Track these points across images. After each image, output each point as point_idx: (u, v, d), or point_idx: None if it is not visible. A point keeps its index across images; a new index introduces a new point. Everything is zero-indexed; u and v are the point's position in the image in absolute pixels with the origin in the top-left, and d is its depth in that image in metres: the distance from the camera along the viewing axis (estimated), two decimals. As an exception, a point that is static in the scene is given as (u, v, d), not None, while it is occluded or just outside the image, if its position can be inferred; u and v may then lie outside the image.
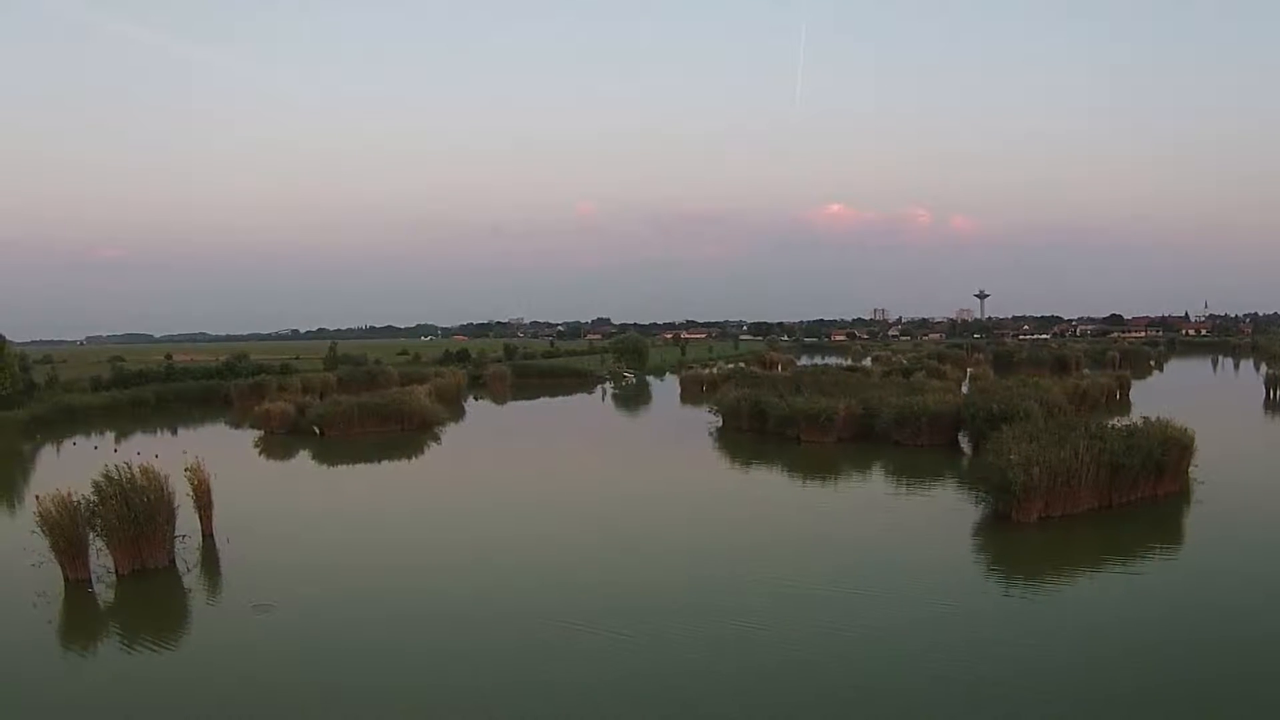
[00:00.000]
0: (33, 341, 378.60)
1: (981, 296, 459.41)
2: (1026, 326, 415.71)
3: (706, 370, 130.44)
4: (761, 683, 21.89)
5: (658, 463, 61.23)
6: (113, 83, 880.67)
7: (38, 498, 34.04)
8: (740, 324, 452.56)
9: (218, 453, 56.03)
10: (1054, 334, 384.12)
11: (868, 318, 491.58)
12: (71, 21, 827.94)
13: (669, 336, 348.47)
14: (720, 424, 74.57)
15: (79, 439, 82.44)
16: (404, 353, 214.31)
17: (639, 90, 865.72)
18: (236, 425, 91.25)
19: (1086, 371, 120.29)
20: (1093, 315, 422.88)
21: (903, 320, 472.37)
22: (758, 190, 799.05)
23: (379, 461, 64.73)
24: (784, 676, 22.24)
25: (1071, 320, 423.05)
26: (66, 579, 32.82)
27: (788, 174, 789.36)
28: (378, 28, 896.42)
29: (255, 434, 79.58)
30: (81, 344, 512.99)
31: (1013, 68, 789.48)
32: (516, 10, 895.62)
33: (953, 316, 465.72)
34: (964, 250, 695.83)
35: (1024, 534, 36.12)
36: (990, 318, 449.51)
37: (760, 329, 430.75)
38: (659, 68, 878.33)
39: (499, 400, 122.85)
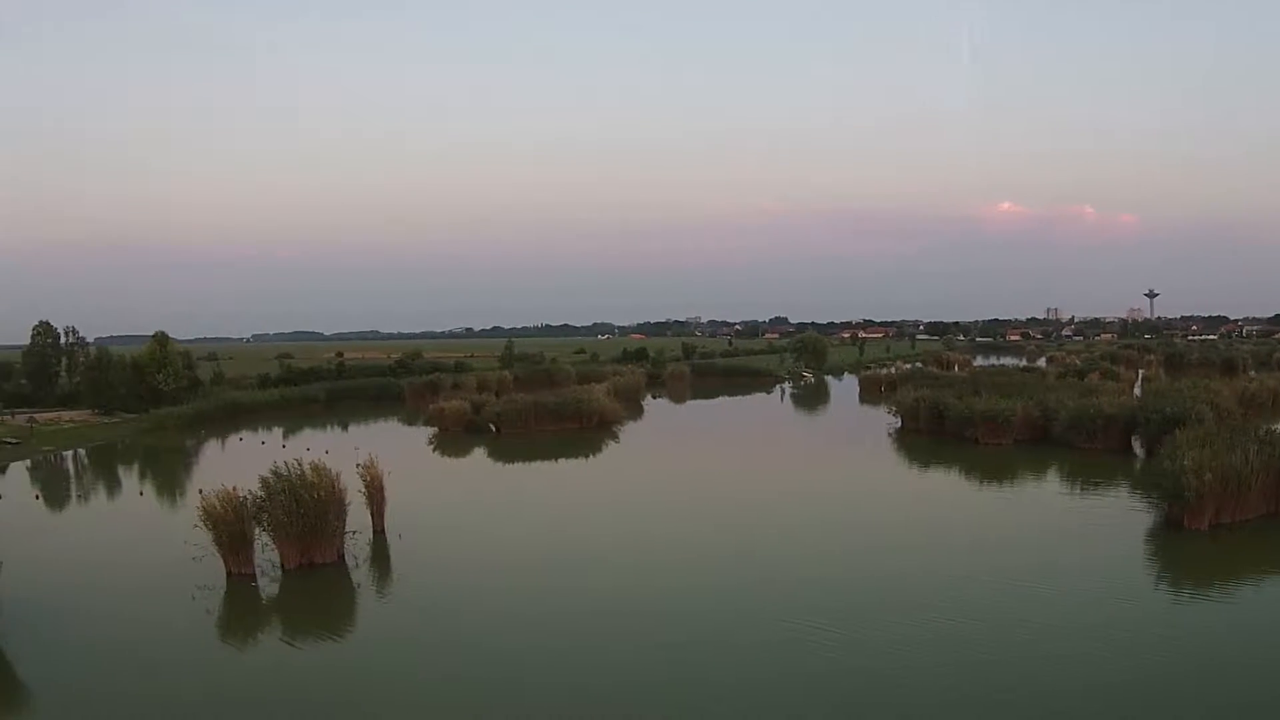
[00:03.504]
0: (197, 339, 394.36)
1: (1151, 295, 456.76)
2: (1195, 327, 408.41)
3: (885, 370, 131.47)
4: (942, 677, 22.70)
5: (839, 463, 62.06)
6: (276, 89, 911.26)
7: (201, 492, 35.14)
8: (917, 323, 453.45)
9: (391, 450, 57.03)
10: (1221, 334, 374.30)
11: (1041, 317, 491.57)
12: (253, 43, 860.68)
13: (846, 336, 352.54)
14: (899, 424, 75.61)
15: (245, 435, 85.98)
16: (581, 351, 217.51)
17: (811, 89, 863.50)
18: (410, 423, 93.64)
19: (1253, 374, 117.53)
20: (1258, 315, 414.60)
21: (1075, 320, 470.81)
22: (929, 188, 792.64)
23: (557, 460, 65.30)
24: (962, 672, 23.04)
25: (1237, 320, 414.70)
26: (229, 573, 33.61)
27: (959, 171, 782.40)
28: (553, 25, 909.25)
29: (429, 431, 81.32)
30: (248, 341, 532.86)
31: (1179, 61, 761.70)
32: (697, 10, 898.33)
33: (1124, 316, 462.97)
34: (1131, 248, 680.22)
35: (1195, 541, 36.19)
36: (1160, 317, 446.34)
37: (937, 328, 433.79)
38: (830, 65, 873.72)
39: (678, 399, 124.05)
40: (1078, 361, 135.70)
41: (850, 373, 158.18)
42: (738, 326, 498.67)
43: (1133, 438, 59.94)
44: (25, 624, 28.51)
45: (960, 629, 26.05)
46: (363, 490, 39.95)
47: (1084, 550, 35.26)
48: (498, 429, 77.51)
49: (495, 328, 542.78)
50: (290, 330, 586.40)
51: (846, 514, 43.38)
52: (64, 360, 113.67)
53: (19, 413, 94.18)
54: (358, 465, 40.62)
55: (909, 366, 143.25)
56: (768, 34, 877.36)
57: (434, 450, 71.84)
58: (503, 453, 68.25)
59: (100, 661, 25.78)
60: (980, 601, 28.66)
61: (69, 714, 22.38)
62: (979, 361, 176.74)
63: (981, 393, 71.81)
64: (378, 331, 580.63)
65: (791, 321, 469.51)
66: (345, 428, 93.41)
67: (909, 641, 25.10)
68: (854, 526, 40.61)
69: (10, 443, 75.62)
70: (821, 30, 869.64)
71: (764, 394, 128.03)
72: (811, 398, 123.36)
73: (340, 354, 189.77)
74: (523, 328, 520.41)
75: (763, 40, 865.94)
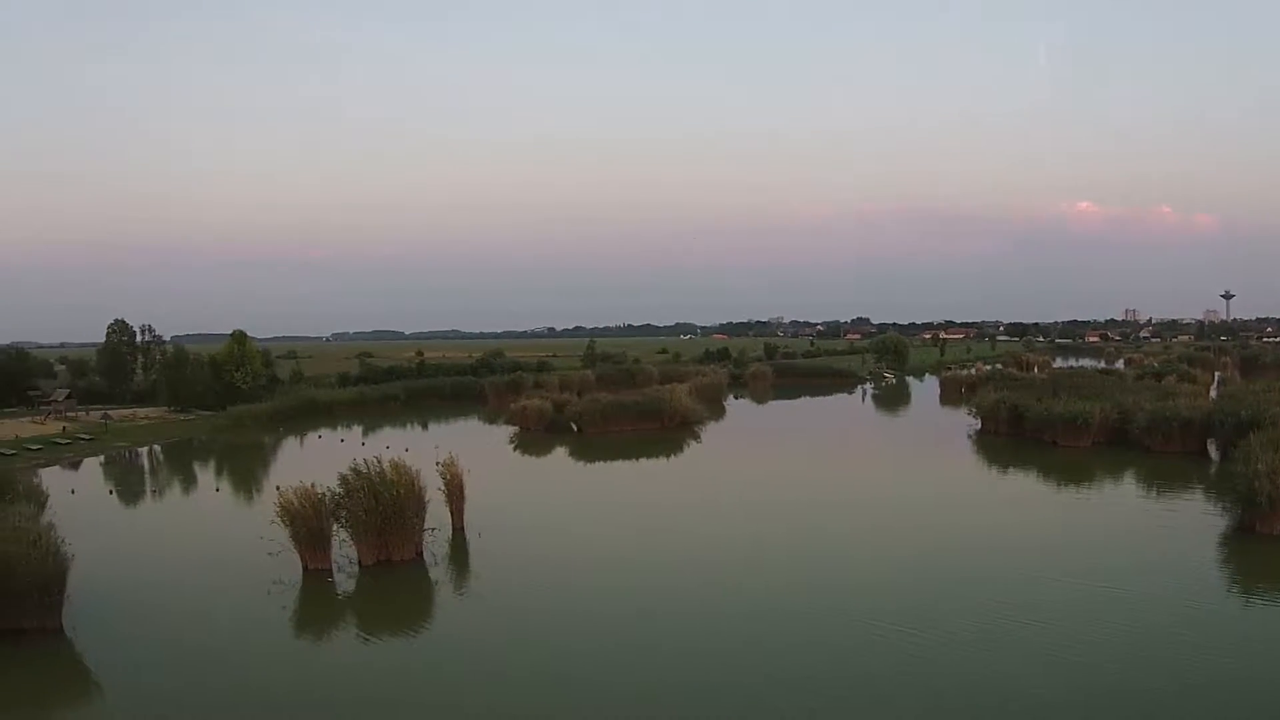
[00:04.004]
0: (276, 337, 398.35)
1: (1227, 297, 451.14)
2: (1270, 329, 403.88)
3: (965, 372, 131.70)
4: (1022, 679, 22.75)
5: (920, 465, 61.74)
6: (353, 88, 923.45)
7: (278, 488, 35.34)
8: (997, 324, 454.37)
9: (472, 449, 57.22)
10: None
11: (1119, 318, 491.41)
12: (295, 37, 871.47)
13: (928, 337, 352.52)
14: (979, 426, 75.52)
15: (324, 432, 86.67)
16: (663, 351, 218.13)
17: (888, 88, 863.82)
18: (491, 422, 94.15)
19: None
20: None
21: (1153, 321, 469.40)
22: (1009, 187, 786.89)
23: (638, 459, 65.30)
24: (1049, 671, 23.10)
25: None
26: (305, 568, 33.85)
27: (1038, 170, 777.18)
28: (639, 25, 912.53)
29: (511, 430, 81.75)
30: (328, 340, 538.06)
31: (1257, 58, 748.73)
32: (770, 9, 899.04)
33: (1200, 318, 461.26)
34: (1208, 248, 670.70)
35: (1267, 546, 35.66)
36: (1236, 319, 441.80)
37: (1016, 329, 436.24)
38: (906, 64, 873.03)
39: (759, 399, 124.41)
40: (1155, 363, 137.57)
41: (931, 374, 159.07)
42: (819, 327, 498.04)
43: (1208, 441, 59.86)
44: (96, 618, 28.87)
45: (1036, 631, 26.31)
46: (442, 488, 40.07)
47: (1155, 554, 35.35)
48: (579, 428, 77.61)
49: (577, 327, 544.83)
50: (370, 329, 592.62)
51: (929, 516, 43.19)
52: (140, 358, 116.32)
53: (93, 409, 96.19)
54: (437, 463, 40.65)
55: (989, 368, 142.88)
56: (846, 33, 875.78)
57: (515, 449, 72.16)
58: (584, 452, 68.41)
59: (171, 654, 25.91)
60: (1054, 603, 28.74)
61: (139, 707, 22.42)
62: (1058, 363, 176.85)
63: (1060, 395, 72.26)
64: (459, 331, 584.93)
65: (873, 322, 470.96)
66: (425, 426, 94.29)
67: (989, 643, 25.18)
68: (937, 528, 40.56)
69: (84, 438, 77.01)
70: (896, 29, 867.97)
71: (845, 395, 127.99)
72: (893, 399, 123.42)
73: (421, 353, 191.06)
74: (605, 327, 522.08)
75: (840, 39, 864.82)
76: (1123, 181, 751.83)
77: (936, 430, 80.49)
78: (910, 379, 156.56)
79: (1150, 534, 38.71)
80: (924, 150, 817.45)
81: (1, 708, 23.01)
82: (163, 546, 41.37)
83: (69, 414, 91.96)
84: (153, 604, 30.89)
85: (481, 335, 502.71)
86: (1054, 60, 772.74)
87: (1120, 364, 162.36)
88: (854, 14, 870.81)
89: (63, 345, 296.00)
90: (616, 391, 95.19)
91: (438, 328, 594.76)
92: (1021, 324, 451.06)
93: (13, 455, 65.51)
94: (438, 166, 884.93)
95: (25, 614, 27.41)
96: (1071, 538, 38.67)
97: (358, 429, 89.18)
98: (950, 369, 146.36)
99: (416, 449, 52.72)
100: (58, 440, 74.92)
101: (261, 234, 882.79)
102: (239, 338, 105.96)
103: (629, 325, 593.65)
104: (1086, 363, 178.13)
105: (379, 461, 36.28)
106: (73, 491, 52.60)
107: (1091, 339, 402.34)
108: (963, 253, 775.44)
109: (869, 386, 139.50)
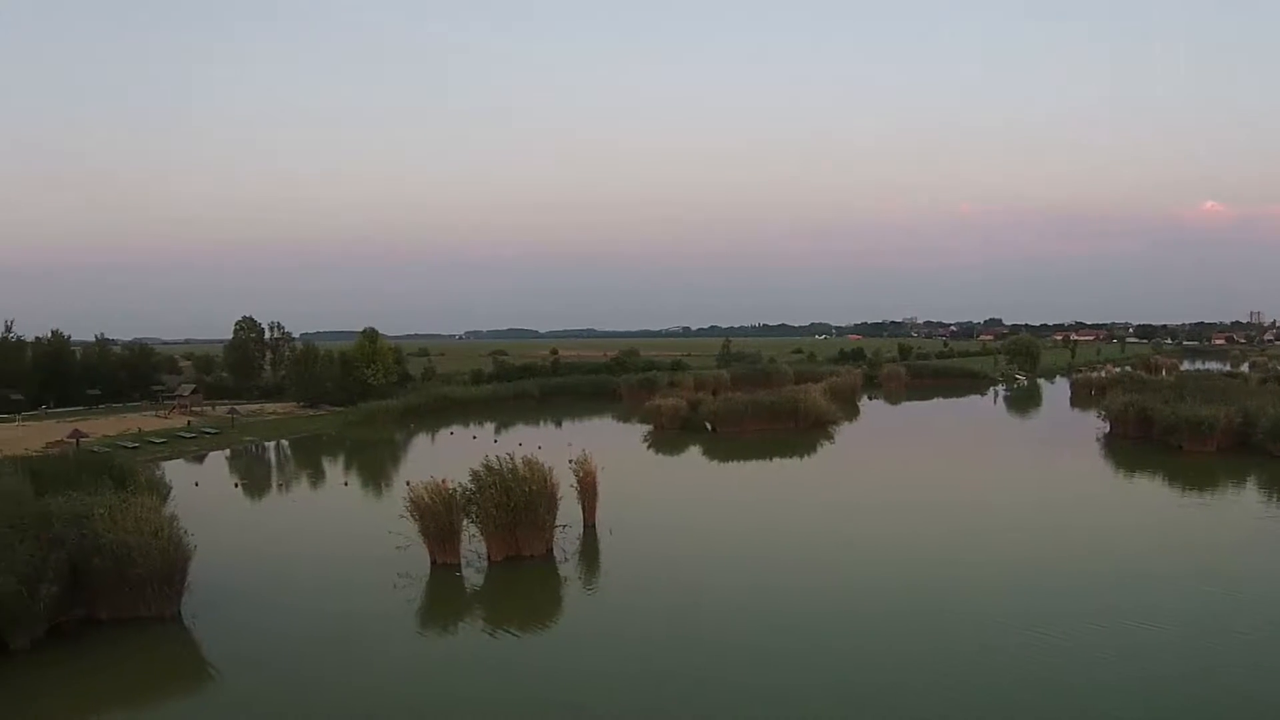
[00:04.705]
0: (408, 335, 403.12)
1: None
2: None
3: (1095, 374, 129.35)
4: (1165, 689, 22.45)
5: (1050, 469, 61.07)
6: (488, 89, 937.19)
7: (408, 484, 35.58)
8: (1126, 326, 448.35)
9: (605, 447, 57.02)
10: None
11: (1244, 320, 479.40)
12: (439, 45, 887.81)
13: (1059, 338, 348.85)
14: (1107, 429, 74.40)
15: (456, 428, 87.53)
16: (798, 351, 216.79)
17: (1025, 90, 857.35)
18: (625, 420, 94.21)
19: None
20: None
21: (1277, 324, 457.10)
22: (1133, 188, 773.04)
23: (771, 459, 64.76)
24: (1185, 682, 22.89)
25: None
26: (434, 563, 34.03)
27: (1162, 170, 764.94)
28: (773, 28, 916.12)
29: (645, 429, 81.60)
30: (460, 338, 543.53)
31: None
32: (915, 8, 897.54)
33: None
34: None
35: None
36: None
37: (1145, 331, 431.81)
38: (1039, 59, 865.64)
39: (893, 400, 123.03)
40: (1279, 367, 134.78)
41: (1062, 375, 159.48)
42: (953, 328, 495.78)
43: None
44: (217, 608, 29.45)
45: (1154, 635, 26.28)
46: (575, 485, 40.11)
47: (1275, 559, 35.27)
48: (713, 427, 77.30)
49: (712, 327, 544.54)
50: (504, 328, 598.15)
51: (1059, 519, 43.12)
52: (268, 354, 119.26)
53: (220, 404, 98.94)
54: (571, 461, 40.80)
55: (1118, 370, 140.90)
56: (981, 29, 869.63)
57: (649, 447, 71.97)
58: (718, 451, 68.00)
59: (290, 645, 26.39)
60: (1172, 607, 28.87)
61: (253, 696, 22.76)
62: (1185, 365, 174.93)
63: (1186, 398, 71.77)
64: (594, 330, 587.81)
65: (1006, 323, 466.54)
66: (559, 424, 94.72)
67: (1109, 648, 25.05)
68: (1065, 531, 40.52)
69: (209, 432, 79.00)
70: (1031, 28, 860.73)
71: (978, 396, 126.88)
72: (1025, 401, 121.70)
73: (555, 351, 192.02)
74: (740, 327, 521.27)
75: (977, 33, 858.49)
76: (1245, 180, 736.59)
77: (1067, 433, 79.55)
78: (1041, 381, 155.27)
79: (1270, 539, 38.43)
80: (1053, 150, 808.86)
81: (115, 695, 23.50)
82: (288, 539, 42.08)
83: (194, 408, 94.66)
84: (275, 595, 31.43)
85: (616, 334, 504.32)
86: (1181, 55, 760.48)
87: (1245, 367, 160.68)
88: (999, 7, 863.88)
89: (188, 341, 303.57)
90: (751, 391, 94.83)
91: (573, 326, 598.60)
92: (1150, 325, 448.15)
93: (135, 448, 67.46)
94: (577, 169, 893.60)
95: (144, 602, 28.21)
96: (1191, 542, 38.33)
97: (490, 426, 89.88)
98: (1081, 371, 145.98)
99: (550, 446, 52.91)
100: (182, 434, 77.23)
101: (394, 234, 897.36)
102: (370, 335, 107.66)
103: (764, 325, 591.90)
104: (1213, 365, 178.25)
105: (511, 458, 36.42)
106: (196, 484, 54.12)
107: (1218, 341, 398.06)
108: (1092, 253, 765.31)
109: (1001, 388, 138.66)
